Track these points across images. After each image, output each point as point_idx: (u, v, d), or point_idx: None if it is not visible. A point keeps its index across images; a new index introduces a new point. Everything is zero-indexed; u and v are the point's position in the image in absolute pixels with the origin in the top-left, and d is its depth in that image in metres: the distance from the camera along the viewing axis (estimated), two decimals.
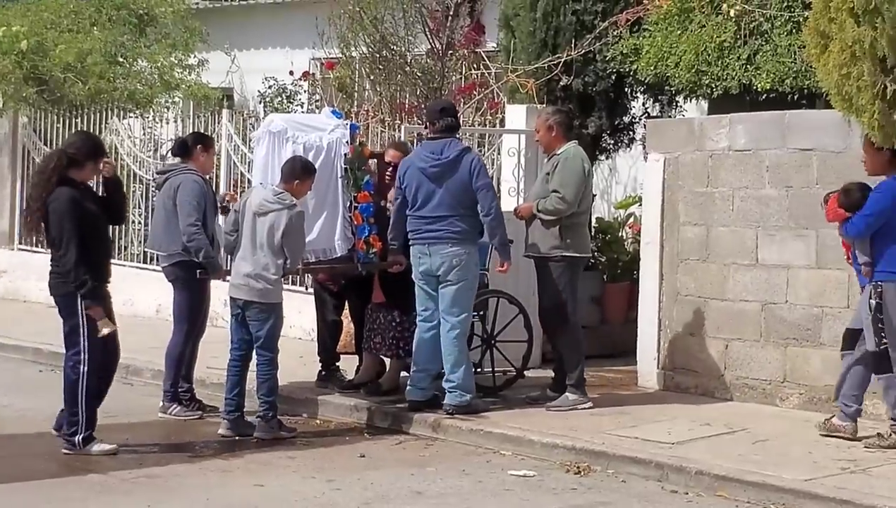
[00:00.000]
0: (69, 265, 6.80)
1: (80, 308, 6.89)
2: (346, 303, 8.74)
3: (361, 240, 8.14)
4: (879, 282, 6.96)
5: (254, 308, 7.46)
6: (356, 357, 8.69)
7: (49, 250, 7.06)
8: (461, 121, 9.19)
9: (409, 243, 7.96)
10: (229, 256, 7.90)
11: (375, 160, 8.47)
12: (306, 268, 7.99)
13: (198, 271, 8.05)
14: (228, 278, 7.75)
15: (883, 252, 6.97)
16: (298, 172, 7.59)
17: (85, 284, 6.81)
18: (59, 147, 7.11)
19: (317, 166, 7.83)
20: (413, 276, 7.92)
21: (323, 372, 8.62)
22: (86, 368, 6.92)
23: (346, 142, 8.09)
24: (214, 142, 8.48)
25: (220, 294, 10.31)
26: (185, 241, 7.84)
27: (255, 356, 7.63)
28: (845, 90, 7.53)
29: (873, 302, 6.93)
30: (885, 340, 6.92)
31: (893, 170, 7.06)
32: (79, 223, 6.83)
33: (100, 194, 7.33)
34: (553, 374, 8.43)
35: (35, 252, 13.37)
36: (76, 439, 6.96)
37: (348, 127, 8.24)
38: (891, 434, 7.04)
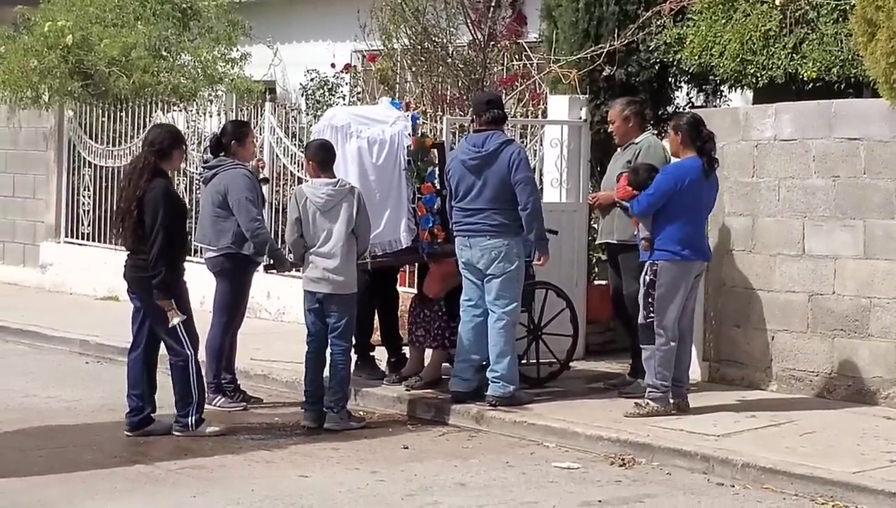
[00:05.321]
0: (154, 253, 6.92)
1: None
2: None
3: (426, 230, 8.19)
4: (656, 261, 7.44)
5: (334, 301, 7.51)
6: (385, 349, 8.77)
7: (118, 243, 7.15)
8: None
9: (454, 234, 7.98)
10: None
11: (436, 150, 8.47)
12: (374, 262, 8.01)
13: (264, 265, 8.09)
14: (292, 272, 7.79)
15: (661, 231, 7.44)
16: (330, 155, 7.67)
17: (160, 274, 6.93)
18: (142, 148, 7.23)
19: (381, 159, 7.97)
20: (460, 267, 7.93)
21: (358, 362, 8.66)
22: (191, 352, 7.18)
23: (408, 134, 8.11)
24: (245, 128, 8.35)
25: (264, 286, 10.41)
26: (250, 237, 7.84)
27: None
28: (893, 78, 7.45)
29: (647, 278, 7.45)
30: (652, 314, 7.42)
31: (686, 152, 7.49)
32: (171, 212, 6.99)
33: None
34: (631, 360, 8.38)
35: (82, 245, 13.53)
36: (189, 420, 7.18)
37: (409, 118, 8.25)
38: (648, 403, 7.45)
